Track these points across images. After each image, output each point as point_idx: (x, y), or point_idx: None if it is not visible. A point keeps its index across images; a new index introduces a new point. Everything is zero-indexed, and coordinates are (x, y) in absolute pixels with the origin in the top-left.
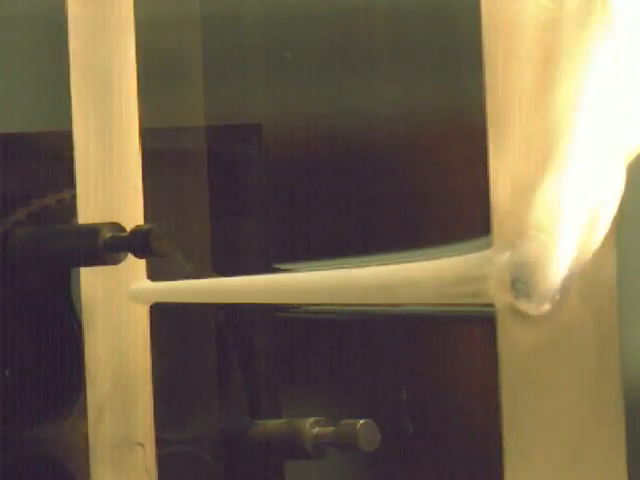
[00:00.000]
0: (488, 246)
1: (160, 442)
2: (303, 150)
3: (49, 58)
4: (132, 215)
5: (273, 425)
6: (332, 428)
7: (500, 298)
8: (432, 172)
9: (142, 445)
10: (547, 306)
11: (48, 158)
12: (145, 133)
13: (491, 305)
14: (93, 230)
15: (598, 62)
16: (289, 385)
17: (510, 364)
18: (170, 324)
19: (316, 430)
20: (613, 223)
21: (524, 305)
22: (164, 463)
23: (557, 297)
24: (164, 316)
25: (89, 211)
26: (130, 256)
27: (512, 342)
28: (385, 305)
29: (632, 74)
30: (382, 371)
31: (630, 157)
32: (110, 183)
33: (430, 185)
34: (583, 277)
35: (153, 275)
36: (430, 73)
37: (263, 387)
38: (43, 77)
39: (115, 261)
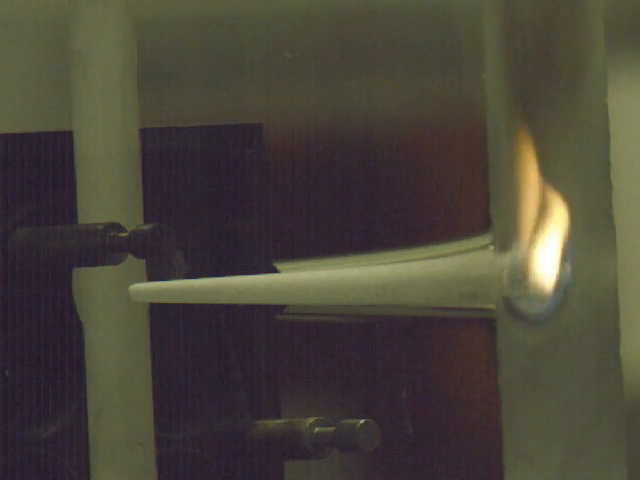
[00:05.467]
0: (488, 246)
1: (160, 442)
2: (304, 150)
3: (49, 58)
4: (132, 215)
5: (273, 425)
6: (332, 428)
7: (500, 298)
8: (432, 171)
9: (142, 445)
10: (547, 306)
11: (48, 158)
12: (145, 133)
13: (491, 305)
14: (93, 230)
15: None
16: (289, 385)
17: (510, 364)
18: (170, 324)
19: (316, 430)
20: (613, 223)
21: (524, 305)
22: (164, 463)
23: (557, 297)
24: (164, 316)
25: (89, 211)
26: (130, 256)
27: (512, 342)
28: (384, 305)
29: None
30: (382, 372)
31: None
32: (110, 183)
33: (430, 185)
34: (583, 277)
35: (152, 275)
36: (430, 73)
37: (263, 387)
38: (43, 77)
39: (115, 261)
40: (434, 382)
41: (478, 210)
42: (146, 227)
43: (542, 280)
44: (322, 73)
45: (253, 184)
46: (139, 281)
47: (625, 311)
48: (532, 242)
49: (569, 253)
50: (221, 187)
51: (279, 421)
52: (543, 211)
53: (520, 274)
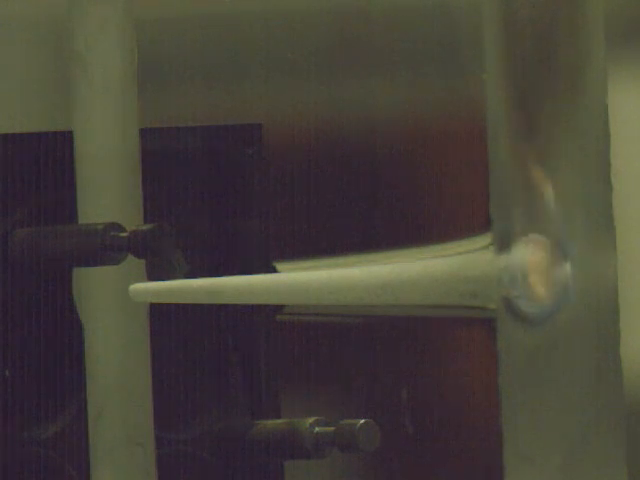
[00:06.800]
0: (487, 246)
1: (160, 442)
2: (304, 150)
3: (49, 58)
4: (132, 215)
5: (273, 425)
6: (332, 428)
7: (500, 298)
8: (432, 171)
9: (142, 445)
10: (547, 306)
11: (48, 158)
12: (145, 133)
13: (491, 305)
14: (93, 230)
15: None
16: (289, 385)
17: (510, 364)
18: (170, 324)
19: (316, 430)
20: (613, 223)
21: (524, 305)
22: (164, 463)
23: (557, 297)
24: (164, 316)
25: (89, 211)
26: (130, 256)
27: (512, 342)
28: (384, 305)
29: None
30: (382, 372)
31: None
32: (110, 183)
33: (430, 184)
34: (583, 277)
35: (152, 275)
36: (430, 73)
37: (263, 387)
38: (43, 77)
39: (115, 261)
40: (434, 382)
41: (478, 210)
42: (146, 227)
43: (542, 280)
44: (322, 73)
45: (253, 184)
46: (139, 281)
47: (625, 311)
48: (532, 242)
49: (569, 253)
50: (221, 187)
51: (279, 421)
52: (543, 211)
53: (520, 274)
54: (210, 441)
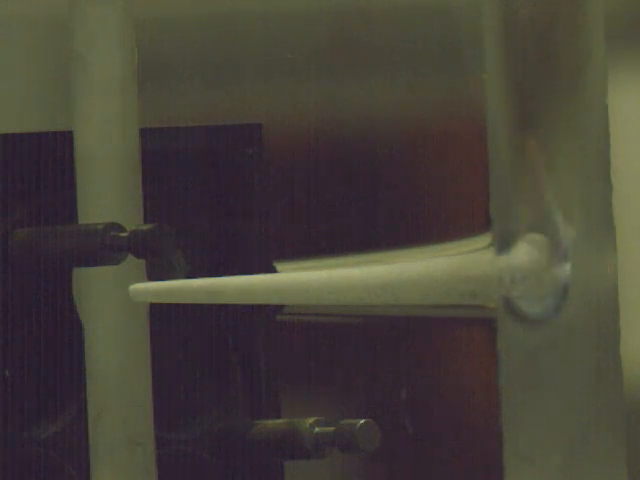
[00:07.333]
0: (488, 246)
1: (160, 442)
2: (304, 150)
3: (49, 58)
4: (132, 215)
5: (273, 425)
6: (332, 428)
7: (500, 298)
8: (432, 171)
9: (142, 445)
10: (547, 306)
11: (48, 158)
12: (145, 133)
13: (491, 305)
14: (93, 230)
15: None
16: (289, 385)
17: (510, 364)
18: (170, 324)
19: (316, 430)
20: (614, 223)
21: (524, 305)
22: (164, 463)
23: (557, 297)
24: (164, 316)
25: (89, 211)
26: (130, 256)
27: (512, 342)
28: (384, 305)
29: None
30: (382, 372)
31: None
32: (110, 183)
33: (430, 185)
34: (583, 277)
35: (152, 275)
36: (430, 73)
37: (263, 387)
38: (43, 77)
39: (115, 261)
40: (434, 382)
41: (478, 210)
42: (146, 227)
43: (542, 280)
44: (322, 73)
45: (253, 184)
46: (139, 281)
47: (625, 311)
48: (532, 242)
49: (569, 253)
50: (221, 187)
51: (279, 421)
52: (543, 211)
53: (520, 274)
54: (210, 441)
